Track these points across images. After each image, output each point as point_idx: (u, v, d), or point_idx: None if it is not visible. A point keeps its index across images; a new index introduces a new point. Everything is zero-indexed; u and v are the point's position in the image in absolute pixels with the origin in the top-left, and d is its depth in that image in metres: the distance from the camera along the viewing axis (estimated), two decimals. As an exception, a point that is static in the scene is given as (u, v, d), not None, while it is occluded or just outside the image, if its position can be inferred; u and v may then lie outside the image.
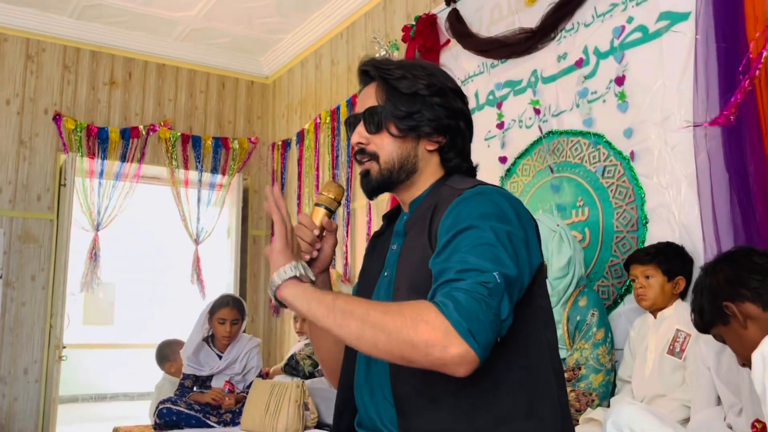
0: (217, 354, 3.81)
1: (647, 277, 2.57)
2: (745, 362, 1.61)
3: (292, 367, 3.94)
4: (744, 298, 1.60)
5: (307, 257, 1.42)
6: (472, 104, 3.79)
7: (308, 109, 5.51)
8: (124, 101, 5.50)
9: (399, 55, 4.36)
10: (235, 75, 6.05)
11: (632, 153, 2.90)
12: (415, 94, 1.42)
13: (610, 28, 3.05)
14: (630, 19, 2.97)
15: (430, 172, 1.46)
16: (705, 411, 2.22)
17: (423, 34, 4.07)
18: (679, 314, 2.53)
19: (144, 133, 5.47)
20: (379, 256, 1.53)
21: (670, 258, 2.58)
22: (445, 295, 1.16)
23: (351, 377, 1.49)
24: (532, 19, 3.43)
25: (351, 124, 1.50)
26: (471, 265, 1.19)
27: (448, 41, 4.01)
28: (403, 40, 4.26)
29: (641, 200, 2.84)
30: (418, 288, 1.31)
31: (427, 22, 4.09)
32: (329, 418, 3.35)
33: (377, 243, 1.58)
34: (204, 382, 3.77)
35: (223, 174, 5.73)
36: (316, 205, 1.46)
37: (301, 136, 5.50)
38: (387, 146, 1.43)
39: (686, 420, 2.35)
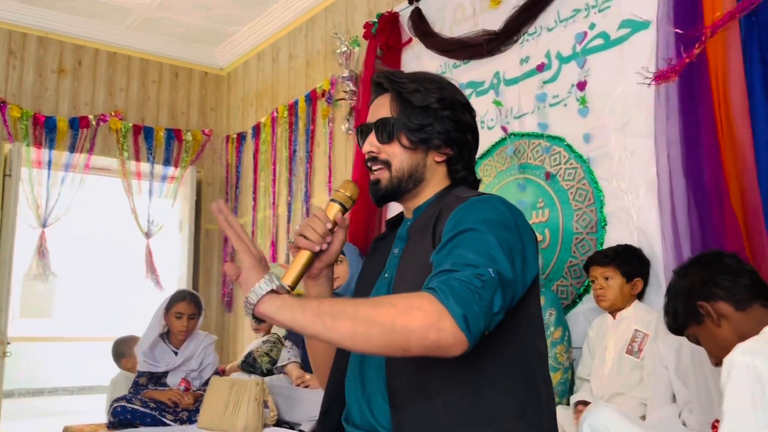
0: (172, 350, 3.75)
1: (607, 279, 2.64)
2: (718, 362, 1.67)
3: (249, 365, 3.91)
4: (717, 298, 1.65)
5: (317, 248, 1.42)
6: (434, 104, 3.82)
7: (264, 103, 5.45)
8: (73, 90, 5.34)
9: (360, 51, 4.36)
10: (189, 66, 5.93)
11: (592, 157, 2.97)
12: (427, 107, 1.47)
13: (573, 33, 3.12)
14: (592, 26, 3.04)
15: (436, 182, 1.52)
16: (661, 409, 2.31)
17: (385, 32, 4.08)
18: (637, 315, 2.61)
19: (94, 123, 5.31)
20: (380, 258, 1.57)
21: (629, 260, 2.66)
22: (440, 283, 1.19)
23: (342, 373, 1.52)
24: (494, 21, 3.48)
25: (362, 132, 1.54)
26: (468, 260, 1.22)
27: (410, 40, 4.03)
28: (365, 37, 4.26)
29: (600, 203, 2.92)
30: (418, 288, 1.34)
31: (390, 19, 4.10)
32: (288, 416, 3.35)
33: (378, 246, 1.63)
34: (159, 379, 3.70)
35: (176, 166, 5.62)
36: (332, 200, 1.48)
37: (257, 129, 5.44)
38: (398, 156, 1.49)
39: (643, 417, 2.43)
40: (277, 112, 5.17)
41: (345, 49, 4.38)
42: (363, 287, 1.58)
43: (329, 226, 1.45)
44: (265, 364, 3.90)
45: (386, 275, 1.51)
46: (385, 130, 1.48)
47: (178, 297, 3.77)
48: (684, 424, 2.23)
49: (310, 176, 4.75)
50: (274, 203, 5.12)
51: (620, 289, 2.63)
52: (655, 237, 2.70)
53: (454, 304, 1.15)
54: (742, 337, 1.52)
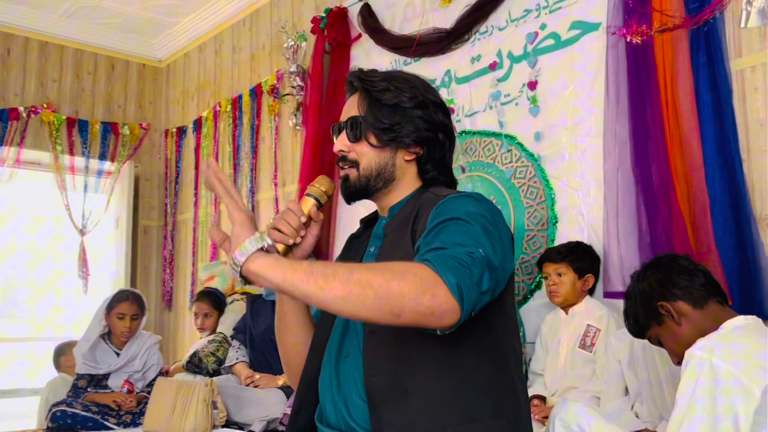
0: (114, 351, 3.62)
1: (559, 275, 2.69)
2: (680, 361, 1.72)
3: (194, 365, 3.82)
4: (676, 297, 1.72)
5: (290, 242, 1.40)
6: (384, 100, 3.81)
7: (206, 97, 5.33)
8: (1, 79, 5.09)
9: (307, 46, 4.31)
10: (127, 57, 5.74)
11: (543, 155, 3.02)
12: (396, 105, 1.47)
13: (524, 33, 3.16)
14: (543, 26, 3.09)
15: (407, 181, 1.51)
16: (615, 401, 2.37)
17: (334, 27, 4.05)
18: (589, 310, 2.68)
19: (24, 115, 5.08)
20: (355, 257, 1.56)
21: (581, 257, 2.71)
22: (433, 257, 1.19)
23: (316, 371, 1.49)
24: (445, 19, 3.50)
25: (336, 131, 1.53)
26: (456, 240, 1.22)
27: (360, 36, 4.01)
28: (313, 31, 4.22)
29: (551, 201, 2.97)
30: None
31: (338, 15, 4.07)
32: (238, 416, 3.28)
33: (353, 245, 1.61)
34: (99, 381, 3.57)
35: (112, 161, 5.43)
36: (307, 195, 1.47)
37: (198, 123, 5.32)
38: (366, 155, 1.48)
39: (596, 410, 2.50)
40: (220, 106, 5.07)
41: (292, 43, 4.32)
42: None
43: (303, 219, 1.43)
44: (212, 364, 3.81)
45: None
46: (354, 129, 1.48)
47: (120, 297, 3.65)
48: (637, 416, 2.30)
49: (255, 172, 4.67)
50: (216, 200, 5.02)
51: (572, 285, 2.69)
52: (604, 233, 2.77)
53: (448, 273, 1.15)
54: (702, 334, 1.58)
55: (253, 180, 4.67)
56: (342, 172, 1.51)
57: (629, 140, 2.67)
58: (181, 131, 5.54)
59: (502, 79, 3.23)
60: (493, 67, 3.28)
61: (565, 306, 2.72)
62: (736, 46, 2.48)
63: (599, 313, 2.64)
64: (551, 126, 3.00)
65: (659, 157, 2.58)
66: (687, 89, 2.52)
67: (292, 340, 1.57)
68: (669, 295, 1.72)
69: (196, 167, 5.27)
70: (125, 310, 3.59)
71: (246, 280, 1.21)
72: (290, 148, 4.44)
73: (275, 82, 4.54)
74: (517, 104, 3.15)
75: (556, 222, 2.95)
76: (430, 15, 3.60)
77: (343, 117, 1.52)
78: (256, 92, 4.74)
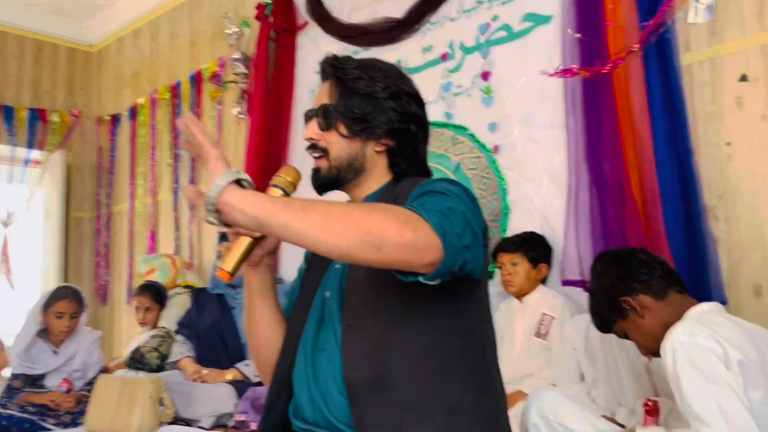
0: (52, 350, 3.46)
1: (514, 265, 2.72)
2: (648, 352, 1.77)
3: (136, 361, 3.69)
4: (637, 291, 1.74)
5: (257, 234, 1.35)
6: (333, 90, 3.77)
7: (142, 83, 5.15)
8: None
9: (252, 33, 4.21)
10: (55, 40, 5.48)
11: (496, 146, 3.05)
12: (369, 95, 1.42)
13: (476, 24, 3.17)
14: (495, 18, 3.11)
15: (378, 173, 1.47)
16: (572, 388, 2.42)
17: (280, 14, 3.98)
18: (543, 299, 2.72)
19: (-56, 100, 4.79)
20: None
21: (535, 247, 2.75)
22: (415, 205, 1.18)
23: (289, 367, 1.45)
24: (396, 8, 3.48)
25: (308, 118, 1.48)
26: (435, 202, 1.22)
27: (306, 23, 3.94)
28: (257, 18, 4.12)
29: (504, 191, 3.00)
30: (377, 274, 1.31)
31: (284, 1, 4.00)
32: (186, 413, 3.19)
33: None
34: (36, 381, 3.41)
35: (41, 149, 5.18)
36: (273, 186, 1.40)
37: (134, 111, 5.13)
38: (336, 144, 1.43)
39: (553, 397, 2.54)
40: (158, 93, 4.90)
41: (236, 30, 4.21)
42: (312, 276, 1.51)
43: None
44: (155, 359, 3.69)
45: (337, 266, 1.46)
46: (325, 117, 1.43)
47: (59, 294, 3.48)
48: (593, 401, 2.35)
49: (196, 161, 4.54)
50: (154, 190, 4.86)
51: (527, 275, 2.73)
52: (557, 224, 2.82)
53: (431, 214, 1.14)
54: (666, 325, 1.62)
55: (193, 169, 4.54)
56: (314, 165, 1.46)
57: (583, 132, 2.72)
58: (115, 119, 5.33)
59: (454, 70, 3.23)
60: (444, 57, 3.28)
61: (519, 295, 2.76)
62: (684, 42, 2.56)
63: (554, 302, 2.69)
64: (504, 117, 3.03)
65: (612, 149, 2.64)
66: (639, 83, 2.58)
67: (263, 334, 1.52)
68: (630, 290, 1.75)
69: (132, 156, 5.09)
70: (64, 309, 3.44)
71: (220, 219, 1.13)
72: (233, 137, 4.33)
73: (217, 69, 4.42)
74: (469, 95, 3.17)
75: (509, 212, 2.98)
76: (380, 4, 3.57)
77: (315, 103, 1.47)
78: (196, 79, 4.61)
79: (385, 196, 1.44)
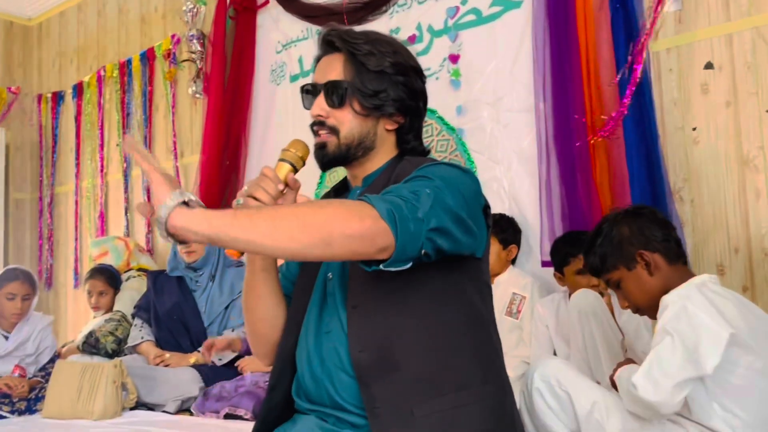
0: (2, 334, 3.32)
1: (486, 246, 2.77)
2: (635, 309, 1.80)
3: (91, 346, 3.57)
4: (654, 249, 1.75)
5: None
6: (296, 70, 3.73)
7: (88, 60, 4.96)
8: None
9: (208, 10, 4.11)
10: (-10, 13, 5.22)
11: (464, 129, 3.08)
12: (381, 72, 1.40)
13: (444, 7, 3.19)
14: (464, 1, 3.13)
15: (385, 150, 1.46)
16: (545, 365, 2.48)
17: (240, -9, 3.89)
18: (513, 279, 2.78)
19: None
20: None
21: (505, 228, 2.81)
22: (369, 197, 1.18)
23: (292, 348, 1.44)
24: (361, -11, 3.45)
25: (308, 92, 1.45)
26: (409, 187, 1.22)
27: (267, 2, 3.88)
28: (214, -5, 4.03)
29: (473, 174, 3.04)
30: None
31: (244, -21, 3.91)
32: (149, 397, 3.12)
33: None
34: (-15, 367, 3.27)
35: (-23, 127, 4.94)
36: (281, 160, 1.39)
37: (78, 89, 4.94)
38: (348, 122, 1.41)
39: (525, 374, 2.61)
40: (105, 70, 4.73)
41: (191, 6, 4.10)
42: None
43: (281, 187, 1.37)
44: (110, 344, 3.59)
45: None
46: (336, 94, 1.40)
47: (9, 276, 3.35)
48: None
49: (149, 142, 4.41)
50: (102, 170, 4.70)
51: (497, 256, 2.78)
52: (526, 205, 2.89)
53: (379, 202, 1.15)
54: (666, 290, 1.68)
55: (149, 149, 4.40)
56: (318, 139, 1.44)
57: (552, 116, 2.78)
58: (58, 96, 5.12)
59: (422, 53, 3.24)
60: (412, 40, 3.29)
61: (491, 276, 2.80)
62: (654, 29, 2.64)
63: (523, 282, 2.75)
64: (473, 100, 3.06)
65: (579, 133, 2.71)
66: (608, 67, 2.65)
67: (264, 311, 1.49)
68: (649, 245, 1.75)
69: (77, 135, 4.90)
70: (15, 290, 3.31)
71: (174, 238, 1.14)
72: (189, 117, 4.23)
73: (170, 46, 4.30)
74: (437, 78, 3.19)
75: (478, 194, 3.02)
76: (345, -16, 3.54)
77: (319, 78, 1.43)
78: (147, 57, 4.47)
79: (387, 174, 1.43)
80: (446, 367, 1.30)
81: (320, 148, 1.44)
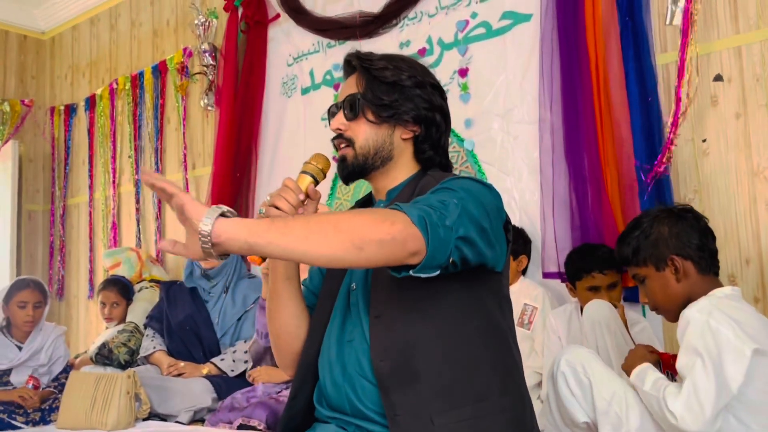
0: (16, 344, 3.35)
1: (496, 257, 2.78)
2: (654, 308, 1.82)
3: (104, 357, 3.60)
4: (688, 256, 1.74)
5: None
6: (307, 83, 3.77)
7: (101, 73, 5.01)
8: None
9: (219, 24, 4.16)
10: (5, 27, 5.27)
11: (475, 141, 3.10)
12: (394, 83, 1.46)
13: (454, 21, 3.22)
14: (474, 15, 3.16)
15: (404, 162, 1.51)
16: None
17: (251, 5, 3.94)
18: (525, 289, 2.79)
19: None
20: None
21: (515, 239, 2.81)
22: (401, 205, 1.22)
23: (315, 356, 1.48)
24: (371, 3, 3.49)
25: (332, 113, 1.52)
26: (438, 197, 1.26)
27: (278, 15, 3.92)
28: (225, 9, 4.08)
29: (484, 185, 3.06)
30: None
31: (255, -8, 3.95)
32: (162, 408, 3.14)
33: None
34: (1, 377, 3.30)
35: (-8, 139, 4.99)
36: (303, 172, 1.44)
37: (91, 101, 4.99)
38: (363, 132, 1.47)
39: (537, 385, 2.62)
40: (117, 83, 4.78)
41: (203, 20, 4.15)
42: (336, 269, 1.53)
43: (302, 197, 1.41)
44: (123, 355, 3.62)
45: None
46: (351, 106, 1.47)
47: (20, 285, 3.38)
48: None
49: (160, 153, 4.45)
50: (114, 182, 4.74)
51: (508, 267, 2.79)
52: (536, 217, 2.90)
53: (411, 209, 1.19)
54: (690, 297, 1.69)
55: (158, 162, 4.45)
56: (339, 153, 1.50)
57: (562, 127, 2.80)
58: (71, 109, 5.18)
59: (433, 65, 3.27)
60: (422, 53, 3.32)
61: (502, 287, 2.82)
62: (662, 42, 2.66)
63: (535, 293, 2.76)
64: (483, 113, 3.09)
65: (590, 145, 2.73)
66: (618, 80, 2.67)
67: (287, 320, 1.53)
68: (684, 251, 1.74)
69: (90, 147, 4.95)
70: (27, 298, 3.34)
71: (218, 252, 1.14)
72: (201, 129, 4.27)
73: (182, 59, 4.34)
74: (448, 91, 3.20)
75: (488, 206, 3.04)
76: (356, -2, 3.58)
77: (341, 97, 1.51)
78: (159, 70, 4.52)
79: (410, 189, 1.47)
80: (466, 378, 1.32)
81: (341, 161, 1.50)
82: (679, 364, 1.60)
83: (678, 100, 2.53)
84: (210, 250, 1.12)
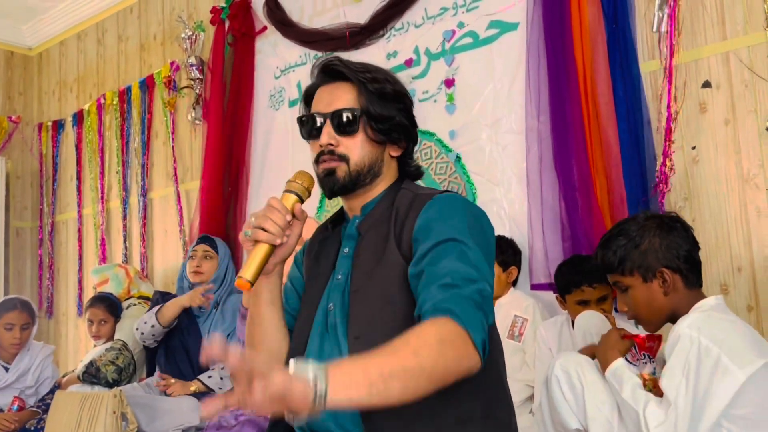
0: (2, 365, 3.30)
1: (486, 268, 2.74)
2: (636, 318, 1.78)
3: (91, 375, 3.54)
4: (678, 270, 1.68)
5: (278, 242, 1.34)
6: (294, 95, 3.74)
7: (88, 88, 4.98)
8: None
9: (206, 37, 4.14)
10: (-9, 43, 5.26)
11: (463, 152, 3.07)
12: (384, 97, 1.42)
13: (441, 31, 3.20)
14: (461, 24, 3.14)
15: (388, 177, 1.48)
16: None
17: (237, 18, 3.91)
18: (515, 301, 2.75)
19: None
20: (327, 258, 1.50)
21: (504, 250, 2.79)
22: (451, 302, 1.17)
23: None
24: (357, 14, 3.47)
25: (308, 121, 1.45)
26: (462, 274, 1.22)
27: (265, 28, 3.90)
28: (212, 22, 4.06)
29: (473, 196, 3.03)
30: (385, 288, 1.32)
31: (241, 5, 3.94)
32: (150, 427, 3.08)
33: (323, 246, 1.54)
34: (-15, 399, 3.25)
35: (-22, 157, 4.95)
36: (287, 191, 1.39)
37: (79, 117, 4.95)
38: (359, 150, 1.42)
39: (529, 398, 2.58)
40: (105, 98, 4.75)
41: (190, 33, 4.12)
42: (314, 288, 1.50)
43: (289, 217, 1.36)
44: (111, 373, 3.56)
45: (339, 277, 1.44)
46: (349, 122, 1.40)
47: (7, 306, 3.34)
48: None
49: (147, 168, 4.41)
50: (102, 198, 4.70)
51: (498, 278, 2.75)
52: (526, 227, 2.86)
53: (474, 330, 1.16)
54: (674, 310, 1.66)
55: (145, 177, 4.41)
56: (325, 165, 1.42)
57: (550, 137, 2.77)
58: (58, 125, 5.14)
59: (420, 76, 3.25)
60: (409, 63, 3.30)
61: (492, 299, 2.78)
62: (649, 49, 2.64)
63: (525, 304, 2.72)
64: (471, 122, 3.06)
65: (578, 153, 2.70)
66: (605, 88, 2.65)
67: (269, 344, 1.48)
68: (673, 264, 1.69)
69: (78, 163, 4.91)
70: (14, 320, 3.30)
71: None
72: (188, 144, 4.24)
73: (170, 73, 4.31)
74: (435, 101, 3.19)
75: (478, 216, 3.00)
76: (341, 9, 3.56)
77: (324, 108, 1.43)
78: (147, 84, 4.49)
79: (385, 203, 1.44)
80: (446, 401, 1.28)
81: (329, 174, 1.42)
82: (665, 384, 1.57)
83: (669, 107, 2.51)
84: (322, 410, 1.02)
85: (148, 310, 3.50)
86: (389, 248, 1.35)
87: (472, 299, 1.18)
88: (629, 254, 1.73)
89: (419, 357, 1.09)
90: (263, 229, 1.33)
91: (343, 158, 1.41)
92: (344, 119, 1.40)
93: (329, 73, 1.48)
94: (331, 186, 1.43)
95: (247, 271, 1.32)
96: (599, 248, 1.82)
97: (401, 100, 1.46)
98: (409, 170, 1.50)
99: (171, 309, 3.28)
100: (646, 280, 1.72)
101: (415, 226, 1.32)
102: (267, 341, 1.47)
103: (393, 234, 1.36)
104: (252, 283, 1.33)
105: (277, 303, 1.46)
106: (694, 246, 1.75)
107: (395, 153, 1.47)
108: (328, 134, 1.41)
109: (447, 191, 1.41)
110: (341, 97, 1.42)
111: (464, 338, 1.15)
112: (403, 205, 1.38)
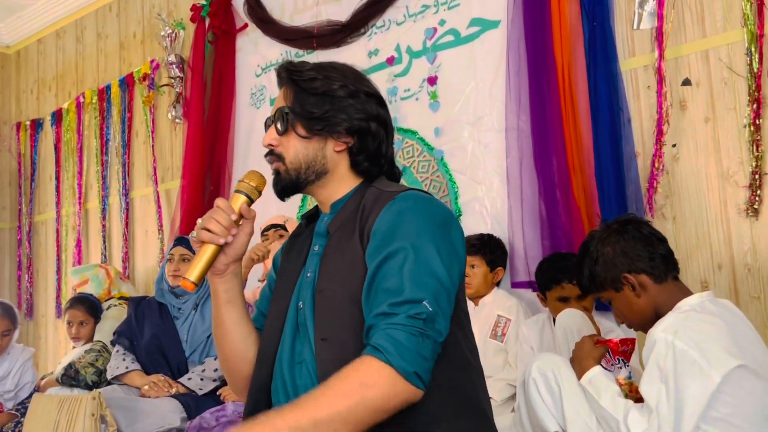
0: (-20, 369, 3.25)
1: (472, 267, 2.73)
2: (630, 325, 1.80)
3: (70, 378, 3.49)
4: (640, 270, 1.71)
5: (221, 241, 1.33)
6: (275, 93, 3.69)
7: (67, 86, 4.92)
8: None
9: (187, 35, 4.10)
10: (-32, 41, 5.18)
11: (445, 150, 3.06)
12: (324, 94, 1.40)
13: (422, 29, 3.19)
14: (442, 22, 3.13)
15: (342, 174, 1.45)
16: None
17: (218, 16, 3.88)
18: (498, 301, 2.74)
19: None
20: (299, 255, 1.48)
21: (493, 250, 2.78)
22: (383, 337, 1.17)
23: (267, 378, 1.41)
24: (338, 12, 3.45)
25: (267, 126, 1.46)
26: (405, 296, 1.20)
27: (246, 25, 3.87)
28: (192, 20, 4.03)
29: (455, 194, 3.02)
30: (350, 288, 1.31)
31: (222, 3, 3.90)
32: (129, 429, 3.04)
33: (296, 243, 1.53)
34: (-38, 403, 3.20)
35: (-45, 156, 4.88)
36: (237, 191, 1.39)
37: (57, 116, 4.89)
38: (293, 147, 1.41)
39: (512, 397, 2.57)
40: (84, 97, 4.69)
41: (170, 31, 4.08)
42: (285, 284, 1.48)
43: (234, 217, 1.36)
44: (91, 375, 3.51)
45: (309, 275, 1.42)
46: (281, 121, 1.41)
47: (-12, 310, 3.29)
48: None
49: (128, 168, 4.36)
50: (80, 198, 4.64)
51: (484, 277, 2.74)
52: (507, 225, 2.86)
53: (401, 362, 1.15)
54: (656, 308, 1.67)
55: (126, 177, 4.36)
56: (272, 166, 1.44)
57: (530, 135, 2.77)
58: (37, 124, 5.08)
59: (402, 74, 3.24)
60: (390, 61, 3.28)
61: (475, 297, 2.77)
62: (629, 47, 2.64)
63: (508, 304, 2.71)
64: (453, 121, 3.05)
65: (558, 151, 2.70)
66: (583, 86, 2.65)
67: (234, 345, 1.47)
68: (633, 267, 1.72)
69: (57, 163, 4.85)
70: (-6, 325, 3.24)
71: None
72: (169, 142, 4.20)
73: (149, 71, 4.27)
74: (417, 99, 3.18)
75: (460, 215, 3.00)
76: (323, 7, 3.53)
77: (273, 110, 1.45)
78: (127, 83, 4.44)
79: (354, 202, 1.42)
80: (419, 401, 1.26)
81: (275, 176, 1.44)
82: (644, 390, 1.57)
83: (660, 107, 2.52)
84: None
85: (124, 323, 3.46)
86: (355, 248, 1.33)
87: (408, 328, 1.17)
88: (594, 272, 1.78)
89: (334, 406, 1.13)
90: (207, 230, 1.33)
91: (280, 157, 1.42)
92: (276, 119, 1.42)
93: (278, 79, 1.49)
94: (276, 186, 1.44)
95: (191, 272, 1.33)
96: (576, 274, 1.89)
97: (352, 95, 1.41)
98: (360, 168, 1.45)
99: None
100: (618, 290, 1.76)
101: (373, 226, 1.31)
102: (230, 340, 1.46)
103: (358, 232, 1.35)
104: (196, 284, 1.33)
105: (236, 302, 1.45)
106: (652, 241, 1.76)
107: (339, 148, 1.43)
108: (269, 135, 1.44)
109: (413, 189, 1.37)
110: (280, 99, 1.45)
111: (390, 376, 1.15)
112: (369, 202, 1.37)
